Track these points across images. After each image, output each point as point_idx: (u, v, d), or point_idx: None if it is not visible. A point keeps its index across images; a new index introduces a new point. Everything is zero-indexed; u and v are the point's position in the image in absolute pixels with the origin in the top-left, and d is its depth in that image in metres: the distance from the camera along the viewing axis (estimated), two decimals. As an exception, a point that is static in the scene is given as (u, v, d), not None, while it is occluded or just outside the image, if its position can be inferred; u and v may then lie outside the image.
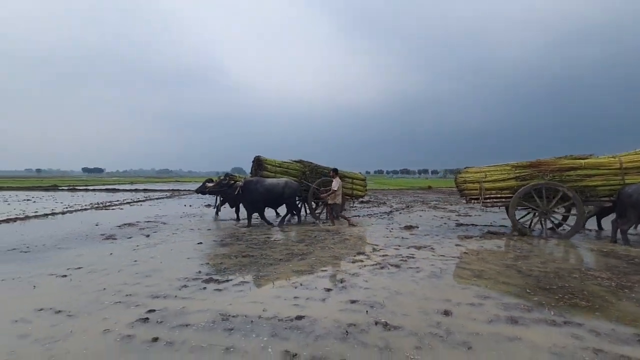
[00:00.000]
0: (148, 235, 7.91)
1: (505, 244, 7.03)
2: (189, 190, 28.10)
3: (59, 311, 3.51)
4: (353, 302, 3.78)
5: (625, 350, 2.76)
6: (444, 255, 5.98)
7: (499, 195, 8.06)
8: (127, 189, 30.97)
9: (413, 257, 5.82)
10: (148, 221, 10.24)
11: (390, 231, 8.67)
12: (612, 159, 7.34)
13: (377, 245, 6.87)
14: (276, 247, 6.67)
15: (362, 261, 5.57)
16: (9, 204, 15.57)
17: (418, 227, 9.22)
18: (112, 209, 13.78)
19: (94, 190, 27.95)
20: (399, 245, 6.81)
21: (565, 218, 8.61)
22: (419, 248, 6.57)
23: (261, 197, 9.39)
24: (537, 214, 7.84)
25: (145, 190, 28.88)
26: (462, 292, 4.12)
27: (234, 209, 11.13)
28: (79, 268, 5.12)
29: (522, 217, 8.74)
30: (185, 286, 4.32)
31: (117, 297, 3.92)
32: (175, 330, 3.10)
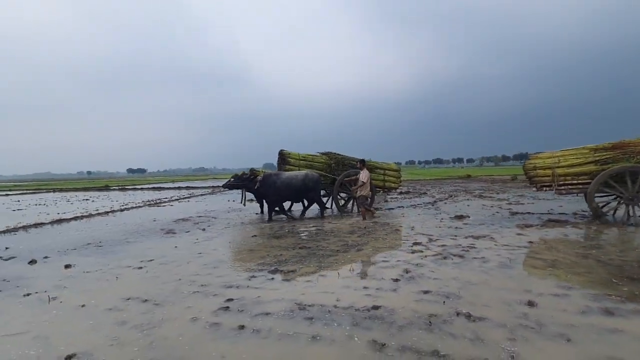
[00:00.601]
0: (204, 229, 8.25)
1: (573, 233, 6.57)
2: (228, 186, 28.98)
3: (146, 300, 3.74)
4: (426, 292, 3.70)
5: None
6: (507, 245, 5.70)
7: (575, 182, 7.49)
8: (171, 187, 32.57)
9: (474, 247, 5.61)
10: (199, 216, 10.70)
11: (441, 221, 8.41)
12: None
13: (431, 235, 6.69)
14: (329, 239, 6.70)
15: (421, 251, 5.45)
16: (71, 204, 16.91)
17: (469, 217, 8.86)
18: (163, 206, 14.55)
19: (141, 189, 29.69)
20: (455, 235, 6.58)
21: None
22: (477, 238, 6.31)
23: (279, 191, 9.24)
24: (622, 200, 7.21)
25: (187, 187, 30.23)
26: (541, 283, 3.89)
27: (259, 203, 11.02)
28: (151, 260, 5.44)
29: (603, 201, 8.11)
30: (253, 277, 4.45)
31: (193, 287, 4.12)
32: (257, 318, 3.20)
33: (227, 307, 3.47)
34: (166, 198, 18.81)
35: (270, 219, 9.41)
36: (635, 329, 2.77)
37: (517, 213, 9.25)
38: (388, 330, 2.89)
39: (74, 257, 5.75)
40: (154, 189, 29.56)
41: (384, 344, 2.64)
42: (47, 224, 9.80)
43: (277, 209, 9.74)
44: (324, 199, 11.67)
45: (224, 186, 10.03)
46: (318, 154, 11.07)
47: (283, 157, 10.56)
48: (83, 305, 3.64)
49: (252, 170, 10.25)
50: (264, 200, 9.92)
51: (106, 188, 32.50)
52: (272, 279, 4.35)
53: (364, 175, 9.05)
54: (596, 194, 7.35)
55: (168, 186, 33.80)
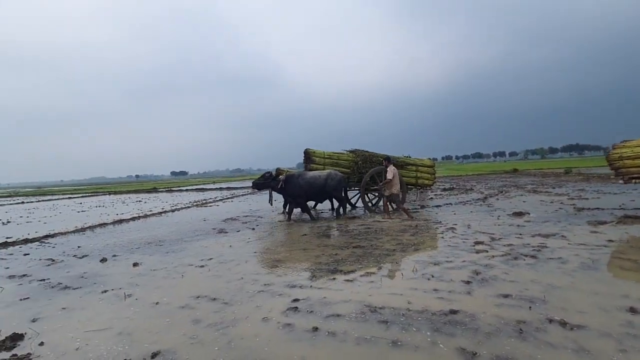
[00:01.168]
0: (253, 229, 8.40)
1: (659, 230, 5.86)
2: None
3: (214, 299, 3.80)
4: (505, 296, 3.42)
5: None
6: (584, 244, 5.18)
7: None
8: (212, 188, 33.86)
9: (546, 247, 5.16)
10: (246, 216, 10.93)
11: (498, 218, 7.90)
12: None
13: (492, 234, 6.27)
14: (381, 237, 6.51)
15: (486, 251, 5.11)
16: (127, 205, 18.09)
17: (530, 214, 8.25)
18: (210, 206, 15.09)
19: (186, 190, 31.13)
20: (520, 234, 6.12)
21: None
22: (546, 236, 5.82)
23: (302, 190, 9.05)
24: None
25: (228, 188, 31.23)
26: (639, 287, 3.46)
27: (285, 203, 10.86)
28: (211, 259, 5.58)
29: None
30: (314, 276, 4.40)
31: (257, 287, 4.14)
32: (329, 320, 3.12)
33: (296, 307, 3.43)
34: (211, 199, 19.53)
35: (289, 218, 9.31)
36: None
37: (583, 209, 8.47)
38: (474, 337, 2.68)
39: (140, 256, 6.05)
40: (197, 190, 30.86)
41: (475, 353, 2.44)
42: (110, 224, 10.50)
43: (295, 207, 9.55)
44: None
45: (253, 186, 9.96)
46: (345, 151, 10.76)
47: (308, 155, 10.38)
48: (157, 303, 3.77)
49: (278, 169, 10.19)
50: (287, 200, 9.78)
51: (154, 190, 34.50)
52: (334, 279, 4.27)
53: (390, 173, 8.71)
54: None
55: (210, 187, 35.17)
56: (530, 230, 6.42)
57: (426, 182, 10.98)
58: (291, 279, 4.36)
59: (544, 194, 12.67)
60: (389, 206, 9.22)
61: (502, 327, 2.80)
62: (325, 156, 10.47)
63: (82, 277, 4.98)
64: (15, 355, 2.80)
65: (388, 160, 9.08)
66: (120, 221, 11.02)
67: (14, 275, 5.22)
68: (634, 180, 7.09)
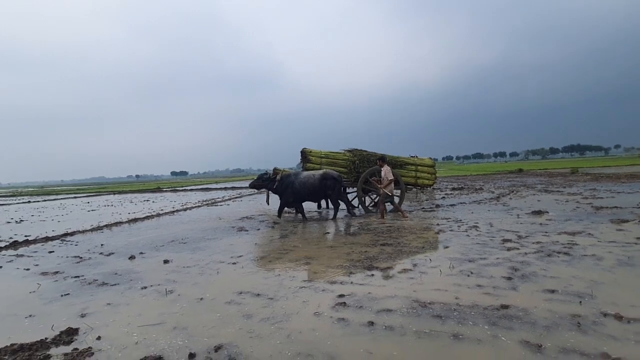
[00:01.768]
0: (273, 227, 8.42)
1: (685, 228, 5.90)
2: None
3: (258, 294, 3.83)
4: (551, 291, 3.45)
5: None
6: (614, 242, 5.21)
7: None
8: (217, 187, 33.87)
9: (576, 244, 5.19)
10: (261, 214, 10.96)
11: (518, 217, 7.94)
12: None
13: (517, 232, 6.31)
14: (406, 236, 6.54)
15: (517, 249, 5.14)
16: (135, 204, 18.09)
17: (549, 212, 8.28)
18: (220, 205, 15.11)
19: (191, 190, 31.14)
20: (546, 232, 6.15)
21: None
22: (573, 234, 5.85)
23: (297, 190, 9.04)
24: None
25: (232, 188, 31.25)
26: (684, 283, 3.50)
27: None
28: (240, 256, 5.61)
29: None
30: (352, 273, 4.42)
31: (296, 283, 4.16)
32: (382, 315, 3.14)
33: (344, 302, 3.45)
34: (219, 198, 19.56)
35: (279, 216, 9.39)
36: None
37: (602, 207, 8.50)
38: (533, 330, 2.71)
39: (167, 253, 6.07)
40: (203, 190, 30.88)
41: (540, 345, 2.47)
42: (125, 222, 10.52)
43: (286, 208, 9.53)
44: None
45: (250, 186, 9.89)
46: (342, 151, 10.68)
47: (304, 155, 10.33)
48: (201, 299, 3.80)
49: (275, 169, 10.14)
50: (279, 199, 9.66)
51: (159, 190, 34.50)
52: (372, 275, 4.30)
53: (386, 172, 8.74)
54: None
55: (214, 187, 35.18)
56: (554, 228, 6.46)
57: (426, 182, 10.67)
58: (329, 275, 4.38)
59: (556, 193, 12.71)
60: (383, 206, 9.21)
61: (559, 321, 2.83)
62: (322, 155, 10.37)
63: (116, 273, 5.00)
64: (77, 349, 2.82)
65: (382, 160, 9.03)
66: (135, 220, 11.04)
67: (46, 272, 5.24)
68: None
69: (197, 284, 4.33)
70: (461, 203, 11.36)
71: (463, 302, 3.30)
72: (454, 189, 17.46)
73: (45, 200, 25.34)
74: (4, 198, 32.38)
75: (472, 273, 4.16)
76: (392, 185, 8.87)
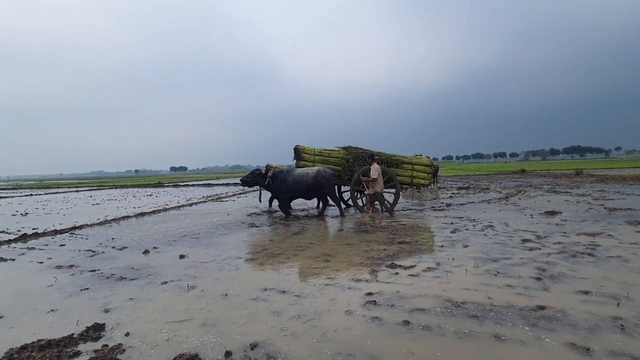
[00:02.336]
0: (283, 223, 8.35)
1: None
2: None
3: (284, 291, 3.76)
4: (585, 292, 3.39)
5: None
6: (635, 244, 5.17)
7: None
8: (219, 183, 33.74)
9: (598, 245, 5.14)
10: (270, 211, 10.88)
11: (532, 217, 7.88)
12: None
13: (535, 232, 6.25)
14: (422, 234, 6.49)
15: (539, 249, 5.08)
16: (139, 199, 17.99)
17: (562, 213, 8.23)
18: (226, 201, 15.02)
19: (193, 185, 31.03)
20: (564, 232, 6.10)
21: None
22: (593, 235, 5.80)
23: (289, 187, 8.96)
24: None
25: (235, 184, 31.13)
26: None
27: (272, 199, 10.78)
28: (257, 252, 5.54)
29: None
30: (375, 271, 4.36)
31: (320, 280, 4.10)
32: (416, 314, 3.08)
33: (374, 301, 3.39)
34: (223, 193, 19.46)
35: (287, 216, 9.25)
36: None
37: (615, 209, 8.45)
38: (576, 332, 2.65)
39: (181, 248, 6.00)
40: (204, 185, 30.77)
41: (589, 348, 2.41)
42: (132, 217, 10.43)
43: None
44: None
45: (242, 183, 9.77)
46: (337, 148, 10.47)
47: (298, 152, 10.14)
48: (226, 295, 3.73)
49: (267, 166, 9.96)
50: (276, 197, 9.62)
51: (160, 185, 34.36)
52: (397, 273, 4.23)
53: (374, 171, 8.67)
54: None
55: (216, 182, 35.05)
56: (572, 229, 6.40)
57: (422, 181, 10.28)
58: (352, 273, 4.32)
59: (564, 194, 12.67)
60: (371, 205, 9.22)
61: (600, 323, 2.77)
62: (316, 153, 10.18)
63: (133, 268, 4.92)
64: (107, 345, 2.75)
65: (372, 158, 8.95)
66: (142, 214, 10.95)
67: (61, 266, 5.16)
68: None
69: (218, 280, 4.25)
70: (471, 202, 11.30)
71: (497, 303, 3.24)
72: (459, 188, 17.42)
73: (47, 194, 25.21)
74: (5, 191, 32.24)
75: (498, 273, 4.09)
76: (381, 184, 8.85)
